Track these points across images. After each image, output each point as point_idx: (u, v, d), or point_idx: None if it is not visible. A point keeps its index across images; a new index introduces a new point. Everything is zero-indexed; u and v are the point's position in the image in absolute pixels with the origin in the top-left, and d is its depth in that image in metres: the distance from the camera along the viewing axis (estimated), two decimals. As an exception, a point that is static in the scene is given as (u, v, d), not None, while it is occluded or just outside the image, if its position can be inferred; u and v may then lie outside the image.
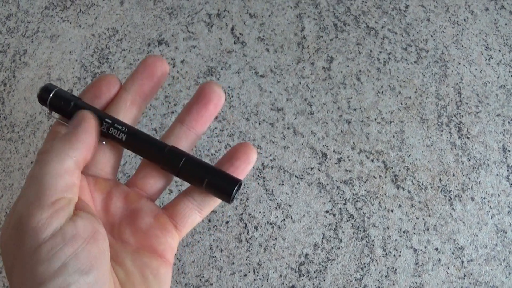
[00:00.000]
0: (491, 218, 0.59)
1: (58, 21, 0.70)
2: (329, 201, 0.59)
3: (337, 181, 0.60)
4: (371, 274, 0.56)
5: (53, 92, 0.29)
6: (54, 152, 0.25)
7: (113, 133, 0.28)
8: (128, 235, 0.28)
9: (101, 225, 0.26)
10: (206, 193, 0.30)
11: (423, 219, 0.58)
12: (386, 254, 0.57)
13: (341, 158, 0.61)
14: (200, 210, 0.30)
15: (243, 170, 0.30)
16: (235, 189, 0.28)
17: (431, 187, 0.59)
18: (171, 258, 0.30)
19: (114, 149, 0.30)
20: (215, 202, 0.31)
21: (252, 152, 0.30)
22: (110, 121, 0.28)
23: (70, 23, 0.70)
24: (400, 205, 0.59)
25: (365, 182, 0.60)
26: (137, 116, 0.31)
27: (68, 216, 0.25)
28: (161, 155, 0.29)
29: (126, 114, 0.30)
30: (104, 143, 0.30)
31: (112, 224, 0.29)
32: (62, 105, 0.29)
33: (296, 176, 0.60)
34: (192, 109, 0.30)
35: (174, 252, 0.30)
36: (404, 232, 0.58)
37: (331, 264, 0.56)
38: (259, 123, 0.63)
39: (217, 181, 0.28)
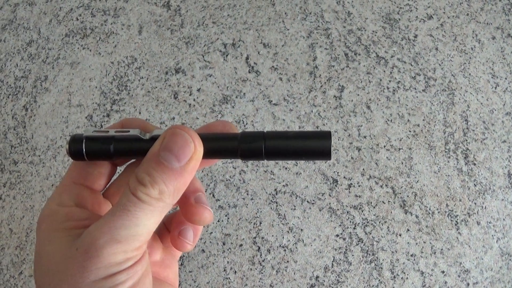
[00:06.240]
0: (496, 241, 0.63)
1: (78, 48, 0.77)
2: (339, 225, 0.65)
3: (347, 206, 0.66)
4: (379, 296, 0.62)
5: (84, 139, 0.27)
6: (162, 201, 0.25)
7: None
8: None
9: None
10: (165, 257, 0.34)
11: (430, 243, 0.63)
12: (394, 277, 0.62)
13: (351, 184, 0.67)
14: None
15: None
16: (331, 142, 0.26)
17: (438, 212, 0.65)
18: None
19: None
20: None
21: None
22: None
23: (90, 50, 0.77)
24: (408, 230, 0.64)
25: (374, 207, 0.65)
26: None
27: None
28: (238, 143, 0.27)
29: None
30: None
31: None
32: (101, 147, 0.27)
33: (307, 201, 0.66)
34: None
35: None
36: (411, 255, 0.63)
37: (341, 286, 0.62)
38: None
39: (309, 143, 0.26)
